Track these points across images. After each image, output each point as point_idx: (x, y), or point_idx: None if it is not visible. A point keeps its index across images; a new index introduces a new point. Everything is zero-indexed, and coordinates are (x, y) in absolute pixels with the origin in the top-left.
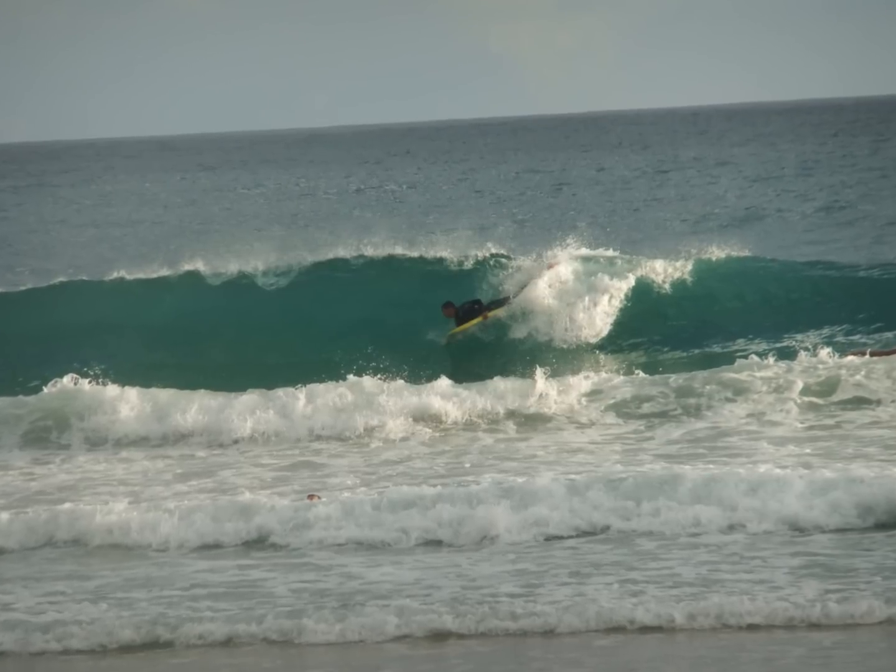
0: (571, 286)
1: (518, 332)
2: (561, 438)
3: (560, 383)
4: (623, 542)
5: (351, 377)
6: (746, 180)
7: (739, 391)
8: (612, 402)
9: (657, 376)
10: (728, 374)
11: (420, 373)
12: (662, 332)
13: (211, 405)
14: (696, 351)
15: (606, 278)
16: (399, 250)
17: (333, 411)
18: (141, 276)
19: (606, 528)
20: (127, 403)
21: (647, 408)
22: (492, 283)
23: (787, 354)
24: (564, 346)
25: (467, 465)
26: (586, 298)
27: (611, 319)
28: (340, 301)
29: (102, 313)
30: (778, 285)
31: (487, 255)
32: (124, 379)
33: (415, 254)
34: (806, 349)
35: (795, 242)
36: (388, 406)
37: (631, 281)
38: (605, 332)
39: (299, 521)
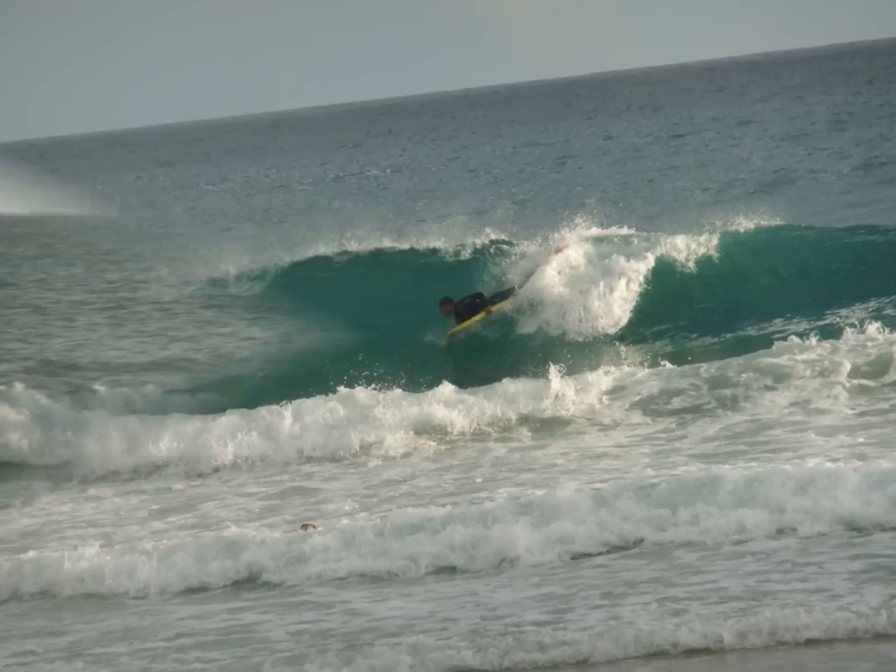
0: (583, 271)
1: (527, 327)
2: (582, 443)
3: (578, 381)
4: (659, 556)
5: (342, 389)
6: (773, 140)
7: (780, 378)
8: (637, 398)
9: (686, 367)
10: (766, 359)
11: (419, 379)
12: (689, 317)
13: (186, 430)
14: (729, 335)
15: (622, 260)
16: (387, 243)
17: (324, 429)
18: None
19: (640, 542)
20: (91, 435)
21: (677, 403)
22: (493, 273)
23: (832, 333)
24: (580, 340)
25: (479, 480)
26: (601, 284)
27: (630, 306)
28: (324, 304)
29: None
30: (816, 256)
31: (487, 242)
32: (86, 407)
33: (405, 246)
34: (852, 326)
35: (832, 206)
36: (386, 419)
37: (650, 261)
38: (624, 321)
39: (294, 554)
